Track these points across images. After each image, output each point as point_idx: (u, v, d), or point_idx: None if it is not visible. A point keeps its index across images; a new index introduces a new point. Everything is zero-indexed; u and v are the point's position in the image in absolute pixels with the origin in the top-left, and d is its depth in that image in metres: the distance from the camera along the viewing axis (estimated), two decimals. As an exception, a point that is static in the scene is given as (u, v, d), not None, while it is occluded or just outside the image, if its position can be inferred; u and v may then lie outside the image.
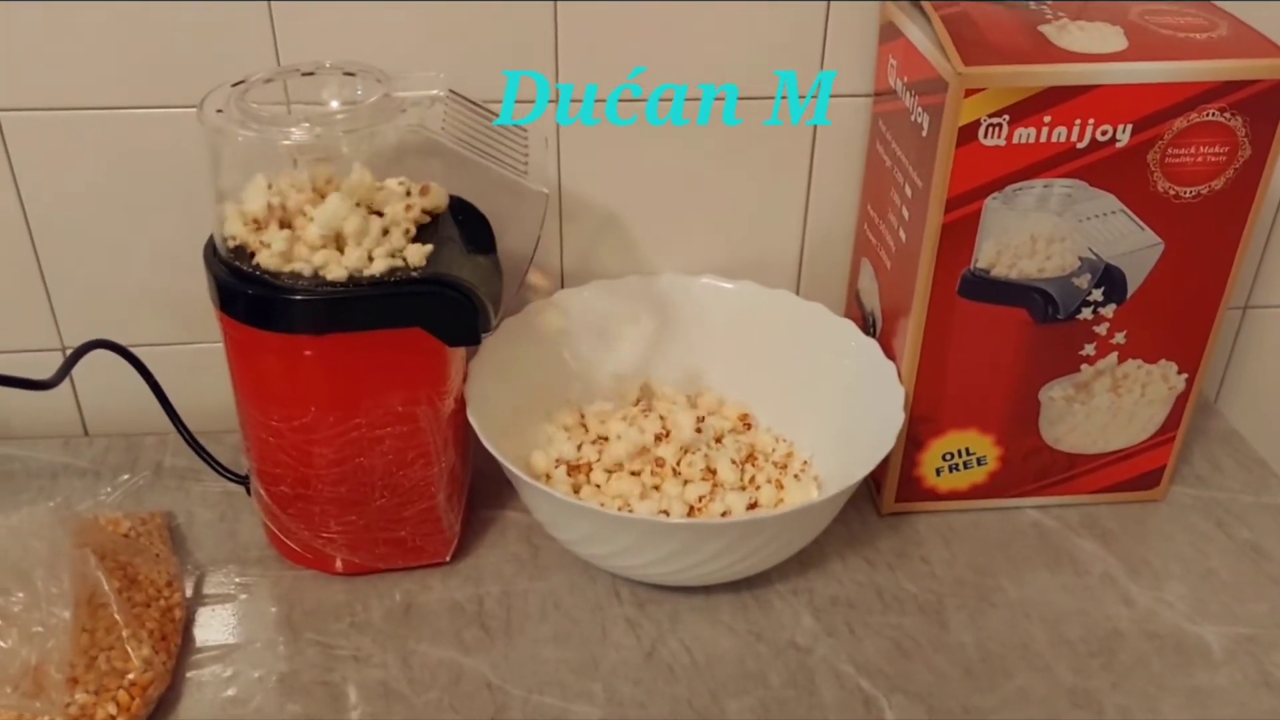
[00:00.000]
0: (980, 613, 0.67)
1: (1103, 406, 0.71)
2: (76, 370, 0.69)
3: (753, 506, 0.69)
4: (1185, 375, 0.70)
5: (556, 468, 0.70)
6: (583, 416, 0.75)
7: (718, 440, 0.73)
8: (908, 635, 0.66)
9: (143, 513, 0.72)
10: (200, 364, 0.77)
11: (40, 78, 0.69)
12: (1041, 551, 0.72)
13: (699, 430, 0.71)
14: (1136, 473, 0.74)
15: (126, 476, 0.76)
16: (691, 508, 0.69)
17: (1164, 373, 0.70)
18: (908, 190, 0.67)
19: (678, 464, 0.70)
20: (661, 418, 0.72)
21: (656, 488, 0.70)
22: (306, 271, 0.58)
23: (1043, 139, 0.61)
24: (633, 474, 0.69)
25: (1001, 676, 0.64)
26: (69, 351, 0.69)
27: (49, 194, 0.73)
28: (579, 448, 0.71)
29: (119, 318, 0.77)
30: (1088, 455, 0.73)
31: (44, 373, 0.68)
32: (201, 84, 0.61)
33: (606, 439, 0.72)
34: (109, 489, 0.75)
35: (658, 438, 0.71)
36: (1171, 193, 0.63)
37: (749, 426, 0.76)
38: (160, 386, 0.71)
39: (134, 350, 0.71)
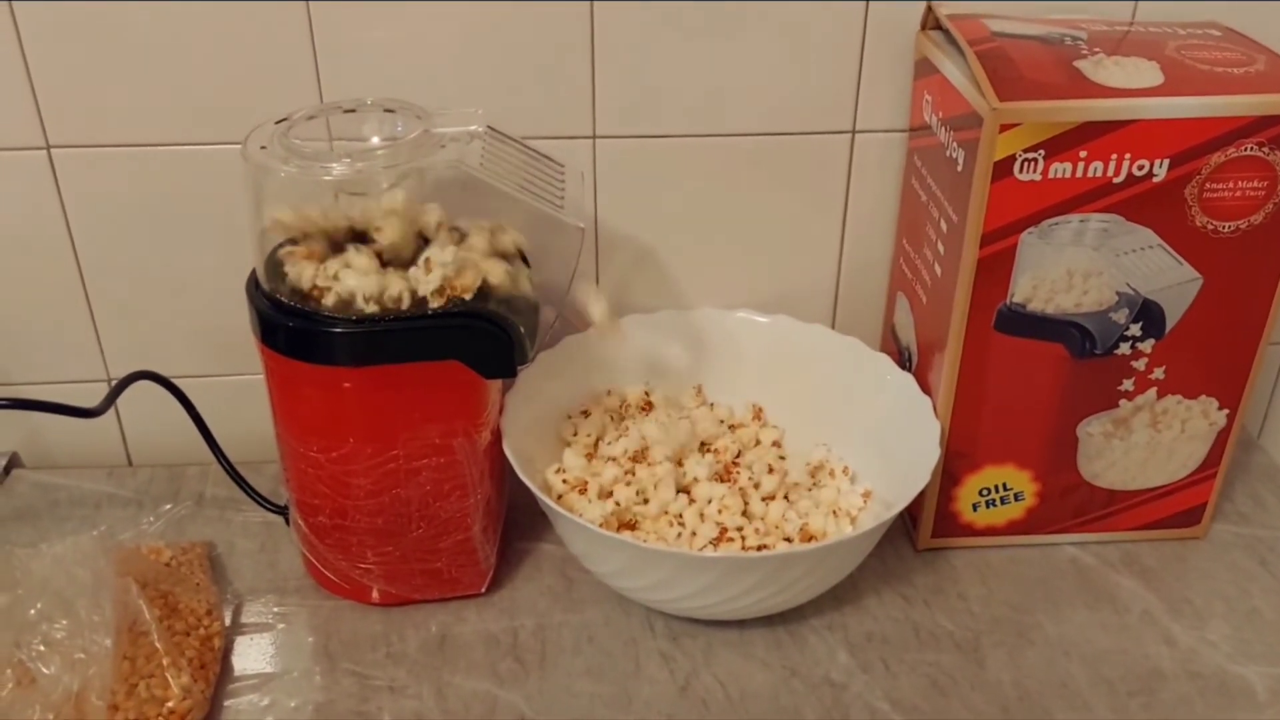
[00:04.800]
0: (1018, 650, 0.67)
1: (1142, 442, 0.70)
2: (121, 401, 0.71)
3: (787, 541, 0.69)
4: (1226, 411, 0.70)
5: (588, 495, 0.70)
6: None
7: (755, 485, 0.73)
8: (944, 673, 0.65)
9: (184, 542, 0.73)
10: (241, 395, 0.78)
11: (90, 116, 0.71)
12: (1080, 589, 0.71)
13: (735, 465, 0.71)
14: (1177, 509, 0.73)
15: (169, 506, 0.77)
16: (725, 541, 0.68)
17: (1204, 409, 0.69)
18: (943, 225, 0.67)
19: (710, 501, 0.70)
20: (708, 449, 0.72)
21: (684, 521, 0.70)
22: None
23: (1079, 174, 0.61)
24: (675, 518, 0.70)
25: (1040, 715, 0.63)
26: (114, 382, 0.71)
27: (97, 228, 0.75)
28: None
29: (164, 349, 0.79)
30: (1127, 491, 0.72)
31: (91, 403, 0.69)
32: (247, 121, 0.62)
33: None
34: (151, 518, 0.76)
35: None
36: (1210, 227, 0.63)
37: (784, 460, 0.76)
38: (202, 417, 0.72)
39: (178, 381, 0.72)
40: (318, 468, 0.64)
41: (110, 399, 0.69)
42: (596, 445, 0.74)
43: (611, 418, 0.76)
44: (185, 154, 0.72)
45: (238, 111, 0.69)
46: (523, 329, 0.62)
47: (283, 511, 0.73)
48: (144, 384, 0.71)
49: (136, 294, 0.77)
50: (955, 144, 0.64)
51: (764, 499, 0.71)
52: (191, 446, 0.74)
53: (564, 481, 0.70)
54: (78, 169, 0.72)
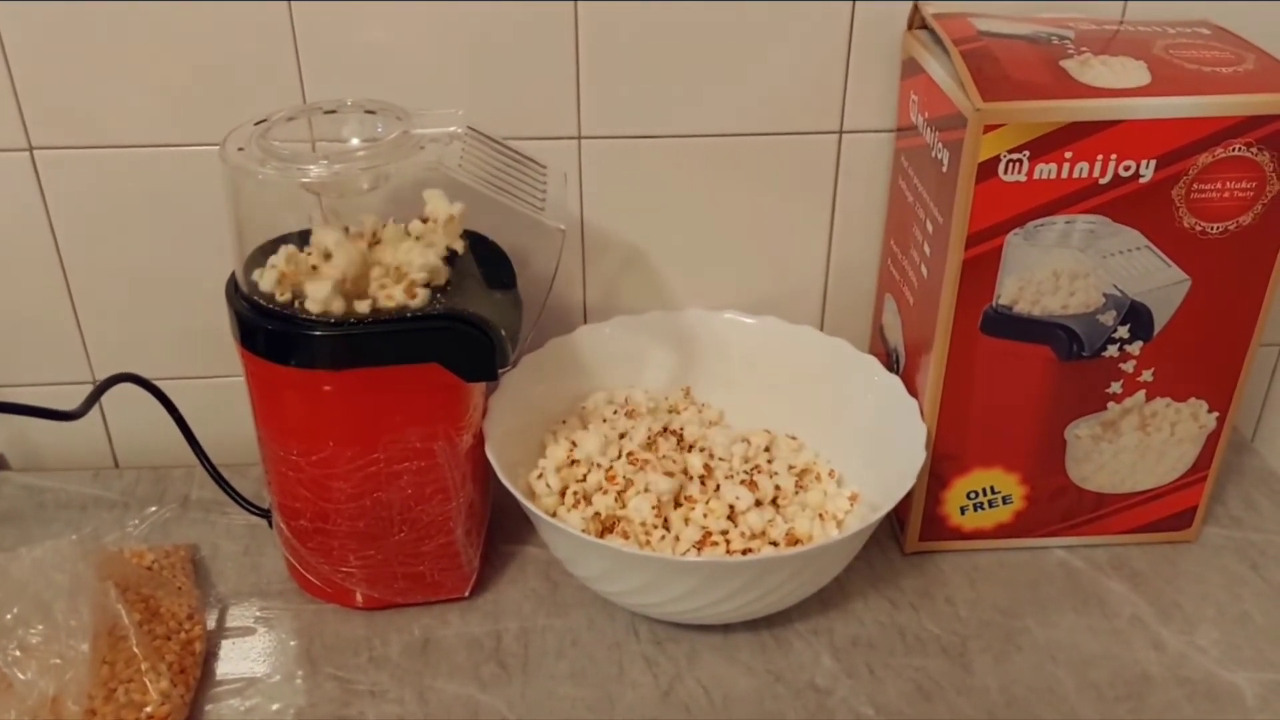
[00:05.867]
0: (1005, 655, 0.66)
1: (1130, 445, 0.69)
2: (107, 403, 0.70)
3: (773, 545, 0.68)
4: (1216, 414, 0.69)
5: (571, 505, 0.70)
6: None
7: (744, 484, 0.73)
8: (930, 678, 0.65)
9: (167, 545, 0.72)
10: (225, 397, 0.78)
11: (72, 117, 0.70)
12: (1069, 593, 0.70)
13: (706, 468, 0.71)
14: (1167, 513, 0.73)
15: (154, 509, 0.77)
16: (710, 546, 0.68)
17: (1194, 411, 0.69)
18: (929, 226, 0.66)
19: (695, 506, 0.70)
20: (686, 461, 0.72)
21: (668, 526, 0.69)
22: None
23: (1064, 175, 0.60)
24: (660, 522, 0.69)
25: (1026, 721, 0.63)
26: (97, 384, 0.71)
27: (80, 229, 0.74)
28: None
29: (148, 351, 0.78)
30: (1116, 495, 0.72)
31: (76, 405, 0.69)
32: (229, 122, 0.62)
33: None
34: (136, 521, 0.76)
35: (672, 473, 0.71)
36: (1198, 228, 0.62)
37: (770, 463, 0.75)
38: (185, 420, 0.72)
39: (162, 383, 0.72)
40: (298, 471, 0.63)
41: (90, 402, 0.69)
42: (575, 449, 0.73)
43: (598, 418, 0.75)
44: (168, 155, 0.72)
45: (220, 112, 0.69)
46: (504, 331, 0.62)
47: (266, 515, 0.73)
48: (131, 386, 0.70)
49: (120, 295, 0.77)
50: (940, 144, 0.63)
51: (750, 502, 0.70)
52: (177, 448, 0.74)
53: (547, 485, 0.69)
54: (60, 170, 0.72)
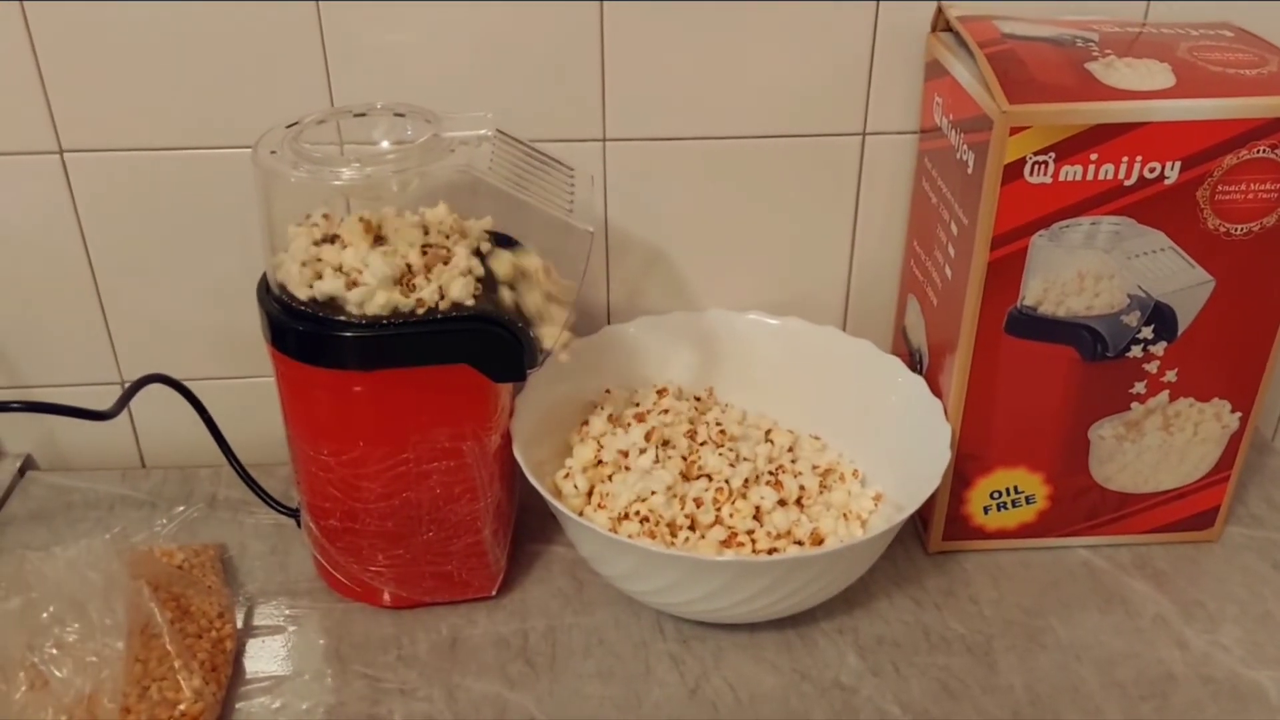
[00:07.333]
0: (1029, 654, 0.67)
1: (1154, 445, 0.70)
2: (135, 403, 0.71)
3: (798, 544, 0.69)
4: (1239, 414, 0.69)
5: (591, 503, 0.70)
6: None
7: (769, 484, 0.73)
8: (955, 676, 0.65)
9: (196, 544, 0.73)
10: (253, 398, 0.79)
11: (101, 120, 0.71)
12: (1092, 592, 0.71)
13: (731, 466, 0.71)
14: (1190, 512, 0.73)
15: (181, 508, 0.78)
16: (736, 545, 0.68)
17: (1217, 411, 0.69)
18: (953, 227, 0.66)
19: (720, 506, 0.70)
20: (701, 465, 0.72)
21: (694, 527, 0.70)
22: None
23: (1089, 176, 0.60)
24: (686, 520, 0.69)
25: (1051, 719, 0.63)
26: (128, 384, 0.71)
27: (110, 231, 0.75)
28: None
29: (176, 352, 0.79)
30: (1139, 494, 0.72)
31: (105, 405, 0.70)
32: (258, 125, 0.63)
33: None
34: (164, 520, 0.77)
35: (701, 475, 0.71)
36: (1222, 230, 0.62)
37: (795, 463, 0.75)
38: (214, 420, 0.73)
39: (191, 383, 0.72)
40: (328, 471, 0.64)
41: (123, 402, 0.70)
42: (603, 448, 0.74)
43: (617, 420, 0.76)
44: (197, 158, 0.72)
45: (249, 115, 0.70)
46: (533, 332, 0.62)
47: (294, 514, 0.73)
48: (158, 387, 0.71)
49: (149, 297, 0.77)
50: (966, 146, 0.64)
51: (775, 502, 0.71)
52: (204, 448, 0.74)
53: (574, 485, 0.70)
54: (90, 173, 0.73)
